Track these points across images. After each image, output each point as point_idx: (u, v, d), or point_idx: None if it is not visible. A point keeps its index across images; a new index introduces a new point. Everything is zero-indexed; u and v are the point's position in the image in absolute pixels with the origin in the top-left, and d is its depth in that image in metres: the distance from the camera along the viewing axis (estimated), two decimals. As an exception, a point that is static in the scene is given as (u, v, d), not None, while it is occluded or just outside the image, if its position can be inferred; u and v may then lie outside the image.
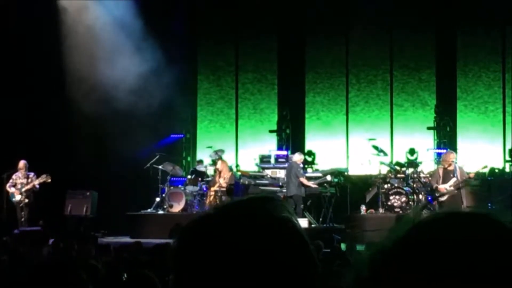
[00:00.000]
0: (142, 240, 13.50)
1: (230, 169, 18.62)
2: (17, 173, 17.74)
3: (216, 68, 22.09)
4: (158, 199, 18.86)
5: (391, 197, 17.43)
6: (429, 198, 17.44)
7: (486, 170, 17.84)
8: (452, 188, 15.80)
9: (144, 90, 19.76)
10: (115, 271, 6.51)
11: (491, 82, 20.49)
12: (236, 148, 21.50)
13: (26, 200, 17.59)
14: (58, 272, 3.65)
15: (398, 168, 18.10)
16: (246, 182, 18.47)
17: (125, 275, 6.19)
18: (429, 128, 19.97)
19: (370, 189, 18.14)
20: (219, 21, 21.25)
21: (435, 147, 19.29)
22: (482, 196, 17.13)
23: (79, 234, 16.52)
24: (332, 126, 21.20)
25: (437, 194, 16.12)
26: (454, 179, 15.78)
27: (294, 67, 21.47)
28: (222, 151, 19.16)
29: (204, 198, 18.53)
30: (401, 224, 1.10)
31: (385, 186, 17.70)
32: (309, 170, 18.89)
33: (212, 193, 18.17)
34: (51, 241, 11.67)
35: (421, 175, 17.82)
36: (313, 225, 17.29)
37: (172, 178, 19.37)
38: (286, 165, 18.18)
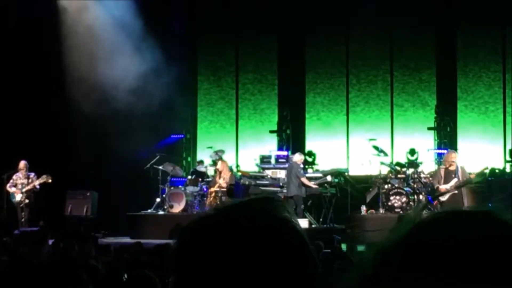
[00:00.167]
0: (143, 241, 13.51)
1: (230, 169, 18.62)
2: (17, 174, 17.73)
3: (216, 69, 22.09)
4: (158, 200, 18.86)
5: (391, 198, 17.44)
6: (430, 198, 17.45)
7: (487, 171, 17.85)
8: (452, 188, 15.80)
9: (144, 90, 19.76)
10: (115, 272, 6.51)
11: (492, 82, 20.49)
12: (236, 148, 21.50)
13: (27, 201, 17.59)
14: (58, 273, 3.65)
15: (398, 168, 18.11)
16: (247, 183, 18.47)
17: (126, 276, 6.19)
18: (429, 129, 19.96)
19: (370, 189, 18.15)
20: (219, 21, 21.25)
21: (436, 148, 19.29)
22: (483, 196, 17.13)
23: (79, 235, 16.52)
24: (332, 127, 21.20)
25: (437, 194, 16.12)
26: (455, 179, 15.78)
27: (294, 67, 21.47)
28: (223, 151, 19.16)
29: (205, 198, 18.53)
30: (402, 223, 1.10)
31: (386, 186, 17.71)
32: (309, 170, 18.89)
33: (212, 193, 18.17)
34: (51, 241, 11.66)
35: (422, 175, 17.82)
36: (313, 226, 17.29)
37: (172, 179, 19.38)
38: (286, 165, 18.17)
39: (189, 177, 19.51)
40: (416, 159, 18.30)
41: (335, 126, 21.18)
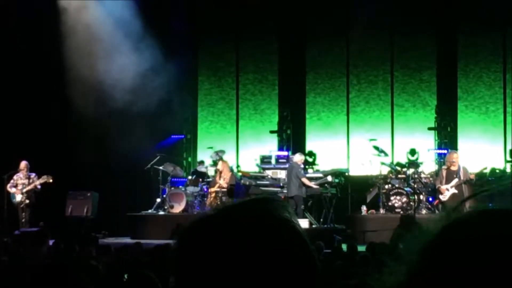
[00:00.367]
0: (143, 241, 13.52)
1: (231, 169, 18.62)
2: (18, 174, 17.74)
3: (217, 69, 22.09)
4: (158, 200, 18.86)
5: (392, 198, 17.44)
6: (430, 198, 17.45)
7: (487, 171, 17.85)
8: (453, 188, 15.81)
9: (145, 91, 19.76)
10: (115, 272, 6.51)
11: (492, 83, 20.48)
12: (236, 148, 21.50)
13: (27, 201, 17.60)
14: (59, 273, 3.65)
15: (399, 168, 18.11)
16: (247, 183, 18.46)
17: (126, 276, 6.19)
18: (430, 129, 19.95)
19: (371, 189, 18.15)
20: (219, 22, 21.24)
21: (436, 148, 19.29)
22: (483, 197, 17.08)
23: (80, 235, 16.52)
24: (332, 127, 21.19)
25: (438, 194, 16.15)
26: (456, 180, 15.78)
27: (294, 68, 21.47)
28: (223, 151, 19.16)
29: (205, 198, 18.53)
30: (432, 224, 1.08)
31: (386, 186, 17.71)
32: (309, 170, 18.88)
33: (213, 193, 18.17)
34: (51, 242, 11.66)
35: (422, 175, 17.83)
36: (314, 226, 17.28)
37: (172, 179, 19.38)
38: (286, 165, 18.17)
39: (190, 177, 19.51)
40: (417, 159, 18.30)
41: (336, 126, 21.18)
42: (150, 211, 18.80)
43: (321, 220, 17.74)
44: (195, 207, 18.56)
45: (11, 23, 19.12)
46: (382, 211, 17.47)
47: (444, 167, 16.53)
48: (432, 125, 19.93)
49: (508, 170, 19.24)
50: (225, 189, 18.03)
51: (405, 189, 17.47)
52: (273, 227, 1.36)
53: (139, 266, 7.56)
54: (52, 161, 18.35)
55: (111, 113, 19.34)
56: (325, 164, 19.63)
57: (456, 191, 15.76)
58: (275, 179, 18.54)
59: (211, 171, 19.36)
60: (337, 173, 18.44)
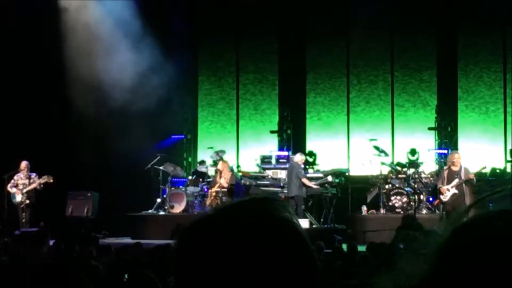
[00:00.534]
0: (143, 241, 13.52)
1: (231, 169, 18.61)
2: (19, 174, 17.74)
3: (217, 69, 22.09)
4: (159, 200, 18.86)
5: (392, 198, 17.45)
6: (431, 198, 17.46)
7: (486, 171, 17.86)
8: (453, 188, 15.81)
9: (145, 91, 19.76)
10: (116, 272, 6.51)
11: (492, 82, 20.48)
12: (237, 148, 21.50)
13: (27, 201, 17.60)
14: (59, 273, 3.65)
15: (399, 168, 18.11)
16: (247, 183, 18.46)
17: (126, 276, 6.19)
18: (430, 129, 19.95)
19: (371, 189, 18.15)
20: (219, 22, 21.24)
21: (436, 148, 19.29)
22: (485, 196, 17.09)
23: (80, 235, 16.52)
24: (333, 127, 21.19)
25: (439, 195, 16.16)
26: (457, 180, 15.79)
27: (295, 68, 21.47)
28: (223, 151, 19.16)
29: (205, 198, 18.53)
30: (447, 225, 1.08)
31: (386, 186, 17.72)
32: (310, 170, 18.87)
33: (213, 193, 18.17)
34: (52, 242, 11.66)
35: (422, 175, 17.84)
36: (314, 226, 17.29)
37: (173, 179, 19.38)
38: (287, 165, 18.17)
39: (190, 177, 19.52)
40: (417, 159, 18.30)
41: (336, 126, 21.17)
42: (150, 211, 18.80)
43: (322, 220, 17.74)
44: (195, 207, 18.56)
45: (11, 23, 19.12)
46: (382, 211, 17.47)
47: (445, 167, 16.54)
48: (433, 125, 19.93)
49: (508, 170, 19.24)
50: (225, 189, 18.03)
51: (406, 189, 17.47)
52: (273, 227, 1.36)
53: (139, 266, 7.56)
54: (52, 161, 18.35)
55: (111, 113, 19.34)
56: (326, 164, 19.63)
57: (456, 191, 15.76)
58: (276, 179, 18.54)
59: (211, 171, 19.35)
60: (337, 173, 18.43)
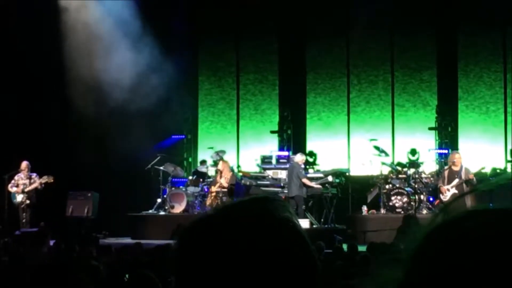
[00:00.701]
0: (143, 241, 13.52)
1: (231, 169, 18.62)
2: (19, 174, 17.74)
3: (217, 69, 22.09)
4: (159, 200, 18.86)
5: (392, 198, 17.44)
6: (431, 198, 17.45)
7: (486, 171, 17.87)
8: (453, 188, 15.82)
9: (145, 91, 19.76)
10: (116, 272, 6.51)
11: (493, 82, 20.48)
12: (237, 149, 21.50)
13: (28, 201, 17.60)
14: (59, 273, 3.65)
15: (399, 168, 18.11)
16: (248, 183, 18.46)
17: (127, 276, 6.19)
18: (430, 129, 19.95)
19: (371, 189, 18.15)
20: (219, 22, 21.24)
21: (437, 148, 19.29)
22: (484, 196, 17.10)
23: (80, 235, 16.52)
24: (333, 127, 21.19)
25: (439, 194, 16.18)
26: (457, 180, 15.80)
27: (295, 68, 21.47)
28: (223, 152, 19.16)
29: (205, 199, 18.53)
30: (423, 227, 1.09)
31: (387, 186, 17.71)
32: (310, 170, 18.88)
33: (213, 193, 18.17)
34: (52, 242, 11.67)
35: (423, 175, 17.83)
36: (314, 226, 17.29)
37: (173, 179, 19.38)
38: (287, 165, 18.17)
39: (190, 177, 19.52)
40: (417, 159, 18.30)
41: (336, 126, 21.17)
42: (150, 211, 18.80)
43: (322, 220, 17.74)
44: (195, 207, 18.56)
45: (11, 23, 19.12)
46: (382, 211, 17.47)
47: (446, 167, 16.55)
48: (433, 125, 19.94)
49: (508, 169, 19.24)
50: (225, 189, 18.04)
51: (406, 189, 17.47)
52: (274, 227, 1.36)
53: (139, 266, 7.56)
54: (52, 161, 18.36)
55: (111, 113, 19.35)
56: (326, 164, 19.63)
57: (456, 191, 15.77)
58: (276, 179, 18.54)
59: (211, 171, 19.36)
60: (337, 173, 18.44)
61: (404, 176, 17.87)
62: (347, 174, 19.13)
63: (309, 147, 20.61)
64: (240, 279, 1.31)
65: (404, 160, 18.54)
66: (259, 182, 18.53)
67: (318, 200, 18.01)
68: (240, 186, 18.21)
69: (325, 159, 19.97)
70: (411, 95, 20.95)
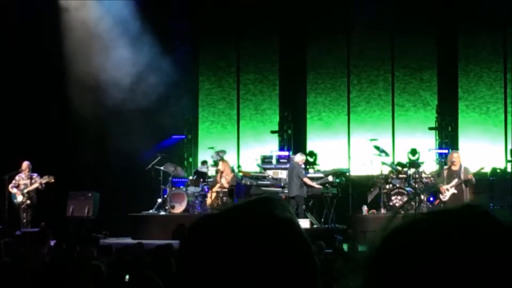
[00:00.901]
0: (144, 241, 13.52)
1: (232, 169, 18.61)
2: (20, 174, 17.74)
3: (217, 69, 22.09)
4: (159, 200, 18.85)
5: (392, 198, 17.44)
6: (431, 198, 17.46)
7: (486, 171, 17.88)
8: (453, 188, 15.82)
9: (145, 91, 19.77)
10: (117, 272, 6.51)
11: (493, 82, 20.48)
12: (237, 148, 21.50)
13: (28, 202, 17.59)
14: (59, 273, 3.66)
15: (399, 168, 18.11)
16: (248, 183, 18.47)
17: (127, 276, 6.19)
18: (430, 129, 19.96)
19: (371, 189, 18.15)
20: (220, 22, 21.24)
21: (437, 147, 19.29)
22: (484, 196, 17.13)
23: (81, 236, 16.52)
24: (333, 127, 21.19)
25: (440, 195, 16.18)
26: (456, 180, 15.80)
27: (295, 68, 21.48)
28: (224, 152, 19.15)
29: (206, 199, 18.52)
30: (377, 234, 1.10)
31: (387, 186, 17.71)
32: (310, 170, 18.88)
33: (214, 194, 18.16)
34: (52, 242, 11.67)
35: (423, 175, 17.83)
36: (315, 226, 17.29)
37: (173, 179, 19.38)
38: (287, 165, 18.17)
39: (191, 177, 19.52)
40: (418, 159, 18.31)
41: (336, 126, 21.17)
42: (151, 211, 18.80)
43: (322, 220, 17.74)
44: (196, 207, 18.56)
45: (11, 23, 19.12)
46: (383, 211, 17.46)
47: (445, 167, 16.56)
48: (433, 125, 19.94)
49: (509, 169, 19.25)
50: (226, 189, 18.03)
51: (406, 189, 17.47)
52: (274, 227, 1.37)
53: (140, 266, 7.57)
54: (52, 161, 18.35)
55: (111, 113, 19.35)
56: (326, 164, 19.63)
57: (455, 191, 15.78)
58: (276, 179, 18.54)
59: (212, 171, 19.36)
60: (338, 173, 18.44)
61: (404, 176, 17.87)
62: (347, 174, 19.12)
63: (310, 147, 20.61)
64: (241, 279, 1.31)
65: (404, 160, 18.54)
66: (259, 182, 18.53)
67: (318, 200, 18.00)
68: (241, 186, 18.22)
69: (326, 159, 19.97)
70: (411, 95, 20.96)
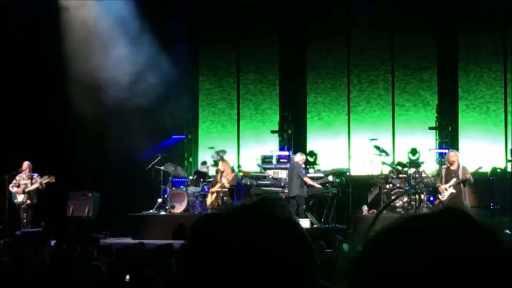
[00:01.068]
0: (144, 241, 13.52)
1: (232, 169, 18.62)
2: (21, 174, 17.75)
3: (218, 69, 22.09)
4: (160, 200, 18.85)
5: (393, 197, 17.43)
6: (431, 198, 17.46)
7: (486, 170, 17.89)
8: (451, 187, 15.82)
9: (145, 91, 19.77)
10: (117, 272, 6.51)
11: (493, 82, 20.48)
12: (237, 148, 21.50)
13: (28, 202, 17.59)
14: (59, 273, 3.66)
15: (400, 168, 18.11)
16: (248, 183, 18.47)
17: (128, 276, 6.19)
18: (430, 128, 19.96)
19: (372, 189, 18.15)
20: (220, 22, 21.24)
21: (437, 147, 19.30)
22: (484, 196, 17.15)
23: (81, 236, 16.53)
24: (333, 126, 21.20)
25: (439, 195, 16.18)
26: (454, 179, 15.80)
27: (295, 68, 21.48)
28: (224, 151, 19.15)
29: (206, 198, 18.53)
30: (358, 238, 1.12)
31: (387, 186, 17.71)
32: (311, 170, 18.88)
33: (214, 193, 18.16)
34: (52, 242, 11.67)
35: (423, 175, 17.83)
36: (315, 226, 17.30)
37: (174, 179, 19.38)
38: (288, 165, 18.18)
39: (191, 177, 19.52)
40: (418, 158, 18.31)
41: (337, 126, 21.18)
42: (151, 211, 18.80)
43: (322, 219, 17.75)
44: (196, 207, 18.56)
45: (11, 23, 19.12)
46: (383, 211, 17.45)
47: (444, 166, 16.56)
48: (433, 125, 19.95)
49: (509, 169, 19.26)
50: (226, 189, 18.03)
51: (406, 188, 17.47)
52: (275, 227, 1.37)
53: (140, 266, 7.57)
54: (52, 161, 18.35)
55: (111, 113, 19.35)
56: (326, 164, 19.63)
57: (454, 191, 15.78)
58: (276, 179, 18.54)
59: (212, 171, 19.36)
60: (338, 173, 18.44)
61: (404, 175, 17.86)
62: (347, 173, 19.12)
63: (310, 147, 20.61)
64: (241, 279, 1.31)
65: (405, 160, 18.54)
66: (259, 182, 18.54)
67: (318, 199, 18.01)
68: (241, 186, 18.22)
69: (326, 159, 19.98)
70: (411, 95, 20.96)
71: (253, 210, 1.40)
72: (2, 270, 7.07)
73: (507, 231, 1.08)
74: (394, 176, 17.92)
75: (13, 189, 17.68)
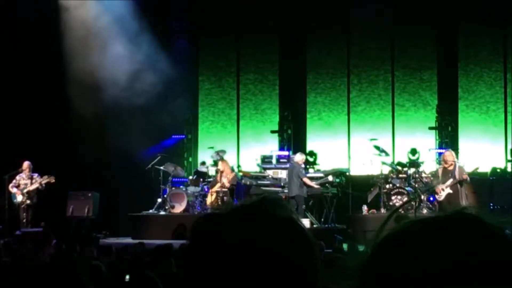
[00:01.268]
0: (144, 241, 13.52)
1: (232, 169, 18.62)
2: (21, 174, 17.75)
3: (218, 69, 22.10)
4: (159, 200, 18.86)
5: (392, 197, 17.45)
6: (431, 198, 17.46)
7: (485, 170, 17.89)
8: (448, 188, 15.83)
9: (145, 91, 19.77)
10: (117, 272, 6.51)
11: (493, 82, 20.48)
12: (237, 148, 21.51)
13: (28, 201, 17.59)
14: (59, 273, 3.66)
15: (399, 168, 18.12)
16: (248, 183, 18.47)
17: (127, 276, 6.19)
18: (430, 128, 19.97)
19: (371, 189, 18.15)
20: (220, 22, 21.24)
21: (437, 147, 19.30)
22: (484, 196, 17.14)
23: (81, 235, 16.53)
24: (333, 126, 21.20)
25: (436, 195, 16.19)
26: (451, 179, 15.81)
27: (295, 68, 21.48)
28: (224, 151, 19.15)
29: (206, 198, 18.53)
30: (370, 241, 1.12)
31: (387, 186, 17.72)
32: (310, 170, 18.88)
33: (214, 193, 18.16)
34: (53, 242, 11.67)
35: (423, 175, 17.84)
36: (314, 226, 17.28)
37: (173, 179, 19.38)
38: (287, 165, 18.18)
39: (191, 177, 19.52)
40: (418, 158, 18.31)
41: (336, 126, 21.18)
42: (151, 211, 18.80)
43: (322, 219, 17.74)
44: (196, 207, 18.56)
45: (11, 23, 19.12)
46: (383, 210, 17.47)
47: (440, 166, 16.57)
48: (433, 125, 19.96)
49: (509, 169, 19.26)
50: (226, 189, 18.03)
51: (406, 188, 17.48)
52: (275, 227, 1.37)
53: (140, 266, 7.57)
54: (52, 161, 18.35)
55: (111, 113, 19.35)
56: (326, 163, 19.63)
57: (451, 191, 15.78)
58: (276, 179, 18.54)
59: (212, 171, 19.36)
60: (338, 173, 18.44)
61: (404, 175, 17.88)
62: (347, 173, 19.13)
63: (309, 147, 20.61)
64: (242, 279, 1.32)
65: (404, 160, 18.55)
66: (259, 182, 18.54)
67: (318, 199, 18.00)
68: (241, 186, 18.23)
69: (326, 158, 19.98)
70: (411, 95, 20.96)
71: (253, 210, 1.40)
72: (2, 270, 7.07)
73: (507, 231, 1.08)
74: (394, 176, 17.93)
75: (13, 189, 17.68)
